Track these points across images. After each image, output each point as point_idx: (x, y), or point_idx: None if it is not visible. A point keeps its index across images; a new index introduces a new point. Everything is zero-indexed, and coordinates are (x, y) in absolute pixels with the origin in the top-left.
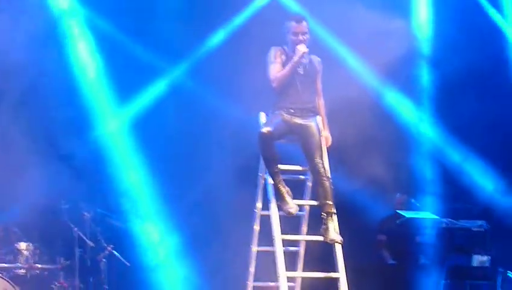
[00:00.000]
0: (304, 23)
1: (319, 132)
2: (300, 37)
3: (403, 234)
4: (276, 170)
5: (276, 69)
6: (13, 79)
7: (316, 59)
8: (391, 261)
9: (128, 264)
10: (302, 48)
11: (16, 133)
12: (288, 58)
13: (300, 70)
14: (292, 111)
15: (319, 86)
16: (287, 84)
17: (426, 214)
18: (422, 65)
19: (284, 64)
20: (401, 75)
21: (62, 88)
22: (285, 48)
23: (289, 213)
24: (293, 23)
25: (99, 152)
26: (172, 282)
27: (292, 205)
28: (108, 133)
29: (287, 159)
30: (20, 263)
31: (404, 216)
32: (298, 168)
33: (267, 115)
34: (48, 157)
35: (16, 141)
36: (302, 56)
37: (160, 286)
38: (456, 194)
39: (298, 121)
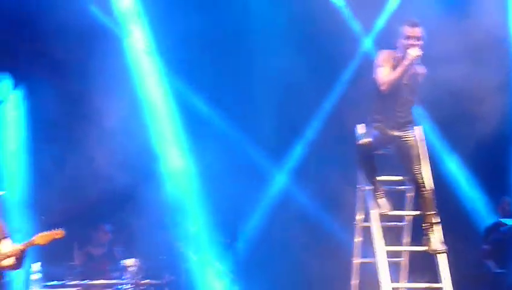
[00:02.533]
0: (418, 28)
1: (418, 142)
2: (412, 41)
3: (508, 242)
4: (374, 180)
5: (385, 73)
6: None
7: (421, 70)
8: (497, 270)
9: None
10: (413, 52)
11: None
12: (398, 62)
13: (405, 80)
14: (390, 124)
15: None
16: (389, 94)
17: None
18: None
19: (393, 69)
20: None
21: None
22: (395, 52)
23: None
24: (407, 27)
25: None
26: None
27: (385, 205)
28: None
29: (386, 169)
30: (126, 279)
31: (507, 224)
32: (397, 178)
33: (366, 126)
34: None
35: None
36: (413, 60)
37: None
38: None
39: (396, 133)
